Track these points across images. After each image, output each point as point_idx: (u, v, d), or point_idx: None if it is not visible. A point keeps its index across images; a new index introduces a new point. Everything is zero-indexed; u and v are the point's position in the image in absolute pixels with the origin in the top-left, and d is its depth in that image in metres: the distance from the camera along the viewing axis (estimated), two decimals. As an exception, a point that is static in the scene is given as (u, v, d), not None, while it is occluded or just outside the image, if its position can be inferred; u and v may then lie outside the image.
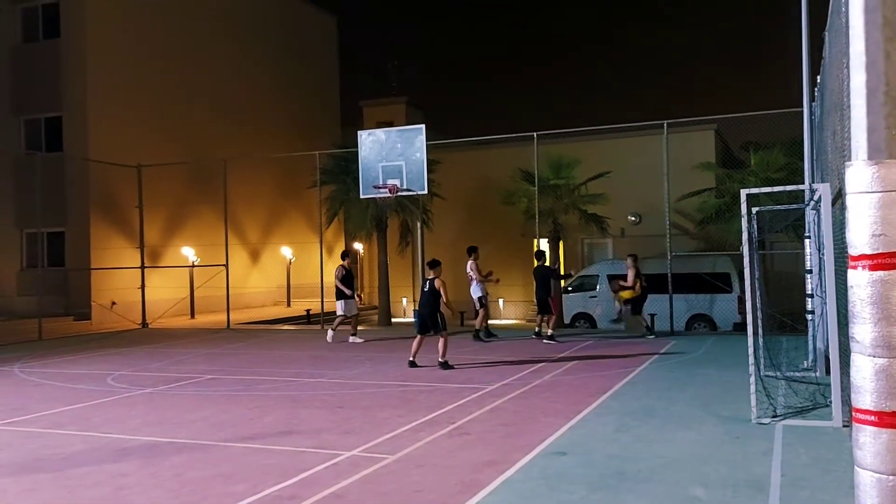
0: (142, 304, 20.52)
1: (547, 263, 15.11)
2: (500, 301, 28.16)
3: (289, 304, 28.84)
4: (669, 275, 15.37)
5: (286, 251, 29.36)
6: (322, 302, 19.05)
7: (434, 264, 11.55)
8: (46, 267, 21.12)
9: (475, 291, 15.06)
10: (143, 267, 21.06)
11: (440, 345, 11.02)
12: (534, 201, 17.69)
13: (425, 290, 11.28)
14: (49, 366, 12.45)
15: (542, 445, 6.32)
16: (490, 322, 16.41)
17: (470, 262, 15.01)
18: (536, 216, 17.42)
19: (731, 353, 11.96)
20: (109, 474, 5.80)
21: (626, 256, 15.83)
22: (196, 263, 23.83)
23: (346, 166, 21.77)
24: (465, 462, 5.89)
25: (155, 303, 21.16)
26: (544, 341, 13.77)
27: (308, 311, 24.04)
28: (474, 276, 14.94)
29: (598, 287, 20.23)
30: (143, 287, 20.74)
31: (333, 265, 32.17)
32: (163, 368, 11.81)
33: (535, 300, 14.62)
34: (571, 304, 20.74)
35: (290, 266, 29.53)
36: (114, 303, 21.13)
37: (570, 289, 21.19)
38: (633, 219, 25.05)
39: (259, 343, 15.52)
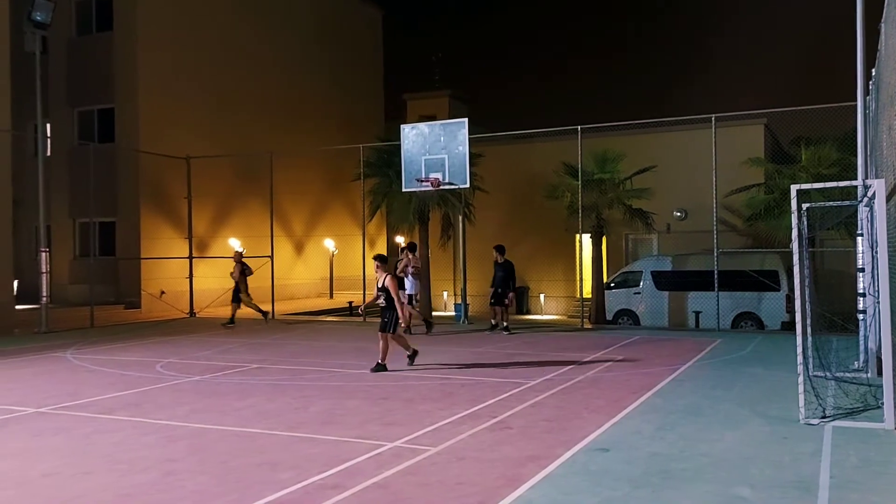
0: (190, 294, 20.96)
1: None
2: (542, 296, 28.07)
3: (331, 296, 29.15)
4: (716, 272, 15.12)
5: (329, 243, 29.66)
6: (364, 294, 19.20)
7: (381, 259, 10.52)
8: (98, 256, 21.72)
9: (411, 288, 15.21)
10: (191, 257, 21.50)
11: (380, 345, 10.29)
12: (577, 196, 17.55)
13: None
14: (100, 353, 12.81)
15: (585, 441, 6.30)
16: (534, 317, 16.77)
17: (411, 257, 15.34)
18: (580, 211, 17.29)
19: (779, 352, 11.73)
20: (158, 460, 5.95)
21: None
22: (242, 254, 24.22)
23: (389, 159, 21.89)
24: (506, 456, 5.90)
25: (202, 292, 21.60)
26: (504, 333, 14.68)
27: (350, 303, 24.28)
28: (410, 272, 15.20)
29: (641, 283, 20.01)
30: (191, 277, 21.18)
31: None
32: (210, 357, 12.06)
33: (494, 293, 15.01)
34: (614, 300, 20.57)
35: (333, 258, 29.84)
36: (163, 292, 21.62)
37: (612, 285, 21.00)
38: (678, 214, 24.69)
39: (303, 334, 15.73)
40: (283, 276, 22.87)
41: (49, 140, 16.84)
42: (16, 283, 20.28)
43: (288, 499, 4.94)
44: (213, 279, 22.70)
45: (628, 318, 19.99)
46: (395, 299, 10.16)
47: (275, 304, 19.84)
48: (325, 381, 9.66)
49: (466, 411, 7.52)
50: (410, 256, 15.44)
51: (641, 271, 20.35)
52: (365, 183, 21.15)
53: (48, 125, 16.96)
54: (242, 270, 17.35)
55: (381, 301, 10.29)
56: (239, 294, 17.37)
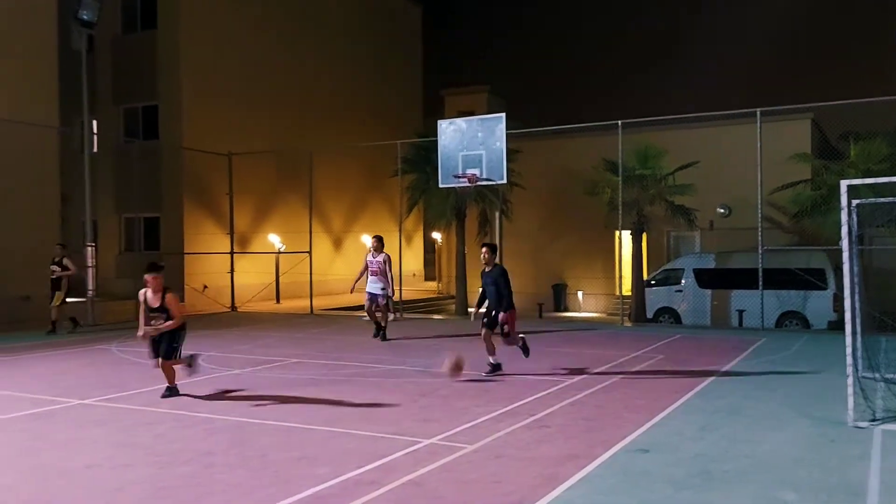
0: (231, 289, 21.26)
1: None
2: (580, 294, 27.82)
3: (392, 292, 29.29)
4: (760, 269, 14.78)
5: (367, 239, 29.82)
6: (400, 290, 19.24)
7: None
8: (143, 251, 22.14)
9: (387, 288, 13.37)
10: (232, 252, 21.80)
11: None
12: (617, 192, 17.33)
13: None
14: (144, 345, 13.02)
15: (625, 441, 6.19)
16: (572, 315, 16.14)
17: (383, 255, 13.48)
18: (620, 207, 17.06)
19: (826, 352, 11.42)
20: (198, 452, 6.02)
21: None
22: (282, 250, 24.50)
23: (426, 155, 21.90)
24: (544, 455, 5.83)
25: (243, 287, 21.89)
26: (484, 373, 9.55)
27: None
28: (388, 271, 13.36)
29: (683, 281, 19.70)
30: (232, 272, 21.48)
31: (412, 254, 32.41)
32: (250, 351, 12.19)
33: (491, 310, 9.68)
34: (655, 298, 20.29)
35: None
36: (205, 286, 21.96)
37: (653, 283, 20.72)
38: (722, 211, 24.24)
39: (341, 329, 15.82)
40: (322, 272, 23.04)
41: (96, 137, 17.18)
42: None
43: (325, 494, 4.95)
44: (254, 274, 22.99)
45: (669, 316, 19.70)
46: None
47: (313, 299, 20.01)
48: (363, 376, 9.69)
49: (504, 409, 7.46)
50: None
51: (683, 269, 20.03)
52: (403, 179, 21.19)
53: (95, 122, 17.30)
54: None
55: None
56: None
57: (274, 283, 24.30)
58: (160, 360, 8.24)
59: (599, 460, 5.65)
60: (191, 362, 8.65)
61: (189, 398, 8.25)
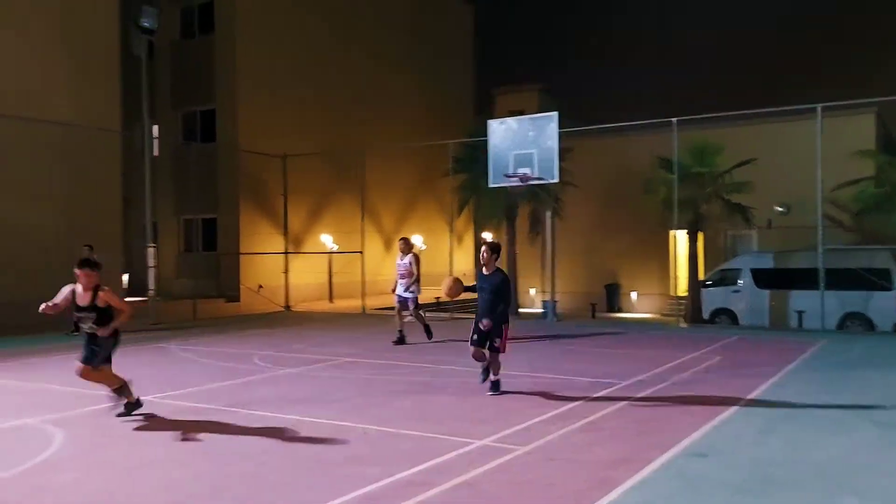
0: (285, 288, 21.61)
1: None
2: (635, 294, 27.43)
3: (419, 292, 29.41)
4: (821, 269, 14.33)
5: (417, 239, 29.95)
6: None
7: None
8: (201, 251, 22.68)
9: (415, 290, 12.92)
10: (286, 252, 22.16)
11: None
12: (672, 190, 17.01)
13: None
14: (202, 344, 13.36)
15: (681, 445, 6.07)
16: (626, 315, 15.85)
17: (410, 257, 12.95)
18: (675, 206, 16.74)
19: (891, 355, 11.00)
20: (252, 450, 6.12)
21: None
22: (334, 250, 24.79)
23: (477, 155, 21.85)
24: (598, 458, 5.76)
25: (297, 287, 22.24)
26: (489, 393, 8.19)
27: (437, 298, 24.42)
28: (415, 272, 12.84)
29: (740, 281, 19.24)
30: (286, 272, 21.83)
31: (463, 253, 32.47)
32: (304, 350, 12.37)
33: (479, 325, 8.16)
34: (711, 298, 19.88)
35: (421, 254, 30.11)
36: (260, 286, 22.37)
37: (709, 283, 20.30)
38: (780, 209, 23.60)
39: (392, 328, 15.91)
40: (374, 272, 23.25)
41: (156, 141, 17.68)
42: (126, 277, 21.44)
43: (376, 494, 4.98)
44: (308, 274, 23.34)
45: (726, 316, 19.26)
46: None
47: (365, 298, 20.19)
48: (415, 376, 9.72)
49: (556, 411, 7.40)
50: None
51: (741, 268, 19.57)
52: (453, 179, 21.22)
53: (155, 126, 17.80)
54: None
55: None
56: None
57: (327, 283, 24.61)
58: (79, 365, 7.25)
59: (654, 464, 5.55)
60: (121, 390, 7.45)
61: (245, 397, 8.40)
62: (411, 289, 12.89)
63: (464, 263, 32.21)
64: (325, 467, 5.63)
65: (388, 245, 28.79)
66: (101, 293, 7.19)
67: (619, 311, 27.13)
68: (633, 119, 18.21)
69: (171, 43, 24.53)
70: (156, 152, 17.81)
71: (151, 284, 17.49)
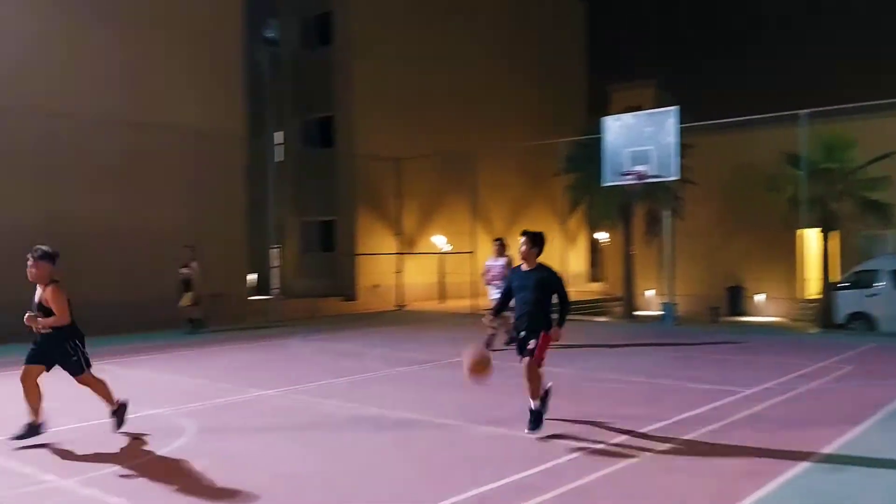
0: (399, 288, 22.04)
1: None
2: (759, 297, 26.10)
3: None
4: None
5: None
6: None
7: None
8: (320, 252, 23.50)
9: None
10: (399, 253, 22.61)
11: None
12: (800, 188, 16.04)
13: None
14: (321, 341, 13.82)
15: (812, 459, 5.69)
16: (750, 319, 15.05)
17: (506, 259, 12.34)
18: (804, 204, 15.78)
19: None
20: (366, 448, 6.25)
21: None
22: (446, 251, 25.05)
23: (590, 154, 21.46)
24: (721, 469, 5.49)
25: (410, 286, 22.62)
26: (527, 432, 6.47)
27: (551, 299, 24.20)
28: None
29: (878, 284, 17.90)
30: (399, 272, 22.26)
31: (575, 254, 31.90)
32: (416, 349, 12.54)
33: (520, 329, 6.73)
34: (845, 302, 18.59)
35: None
36: (376, 286, 22.93)
37: (842, 285, 19.02)
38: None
39: (503, 329, 15.86)
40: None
41: (279, 147, 18.49)
42: (252, 277, 22.51)
43: (487, 495, 4.95)
44: (420, 274, 23.69)
45: (862, 322, 17.96)
46: None
47: (476, 299, 20.26)
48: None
49: (675, 418, 7.12)
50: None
51: (878, 270, 18.20)
52: (565, 178, 20.94)
53: (278, 133, 18.62)
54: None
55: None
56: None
57: (439, 283, 24.90)
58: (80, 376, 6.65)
59: (783, 478, 5.23)
60: (116, 410, 6.74)
61: (360, 393, 8.60)
62: None
63: (576, 264, 31.72)
64: (436, 467, 5.67)
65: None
66: (48, 289, 6.45)
67: (743, 314, 25.87)
68: (759, 112, 17.32)
69: (293, 53, 25.55)
70: (279, 158, 18.60)
71: (274, 283, 18.27)
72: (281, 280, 19.07)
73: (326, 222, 25.08)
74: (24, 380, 6.42)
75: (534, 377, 6.46)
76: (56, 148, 15.71)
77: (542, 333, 6.50)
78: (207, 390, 8.86)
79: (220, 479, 5.40)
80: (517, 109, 29.11)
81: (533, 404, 6.53)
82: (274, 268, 18.46)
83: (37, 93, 15.38)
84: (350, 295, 23.19)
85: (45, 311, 6.42)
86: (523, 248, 6.75)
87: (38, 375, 6.48)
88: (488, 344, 11.32)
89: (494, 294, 11.95)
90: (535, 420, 6.48)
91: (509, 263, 12.22)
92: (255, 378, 9.70)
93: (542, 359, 6.54)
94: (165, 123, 17.14)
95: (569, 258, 19.79)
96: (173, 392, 8.87)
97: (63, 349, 6.48)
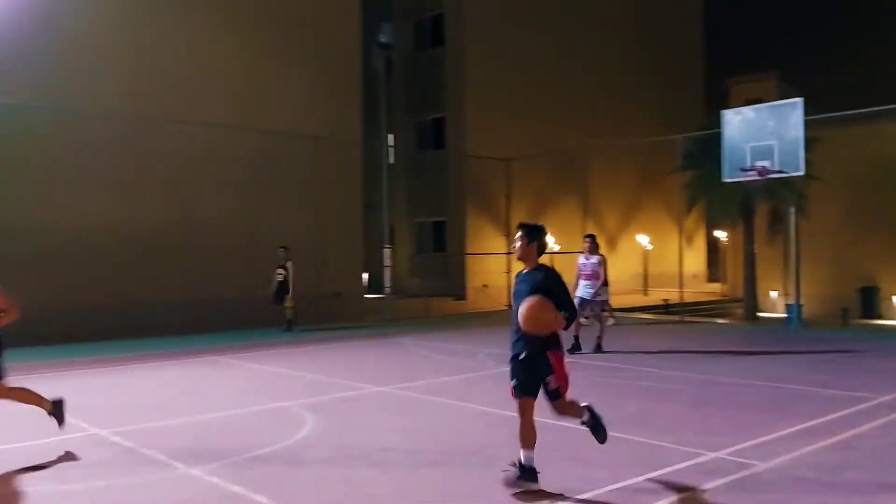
0: (508, 288, 22.05)
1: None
2: (896, 299, 24.35)
3: (645, 293, 28.50)
4: None
5: (643, 239, 29.02)
6: (681, 291, 18.40)
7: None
8: (431, 252, 23.87)
9: (603, 294, 11.90)
10: (509, 253, 22.59)
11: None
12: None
13: None
14: (432, 340, 14.03)
15: (957, 475, 5.27)
16: (887, 322, 14.05)
17: (598, 257, 11.90)
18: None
19: None
20: (479, 444, 6.30)
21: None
22: (556, 250, 24.83)
23: (709, 150, 20.68)
24: (851, 482, 5.18)
25: (520, 286, 22.57)
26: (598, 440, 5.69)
27: (665, 300, 23.47)
28: (603, 275, 11.81)
29: None
30: (508, 272, 22.26)
31: (693, 254, 30.85)
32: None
33: (518, 350, 5.46)
34: None
35: (647, 254, 29.11)
36: (485, 285, 23.03)
37: None
38: None
39: (617, 331, 15.56)
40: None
41: (393, 149, 18.92)
42: (366, 276, 23.14)
43: (603, 497, 4.89)
44: (530, 274, 23.59)
45: None
46: None
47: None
48: (640, 380, 9.43)
49: (800, 426, 6.76)
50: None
51: None
52: (682, 176, 20.28)
53: (391, 136, 19.05)
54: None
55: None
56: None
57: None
58: None
59: (923, 494, 4.88)
60: (53, 408, 6.39)
61: (472, 391, 8.67)
62: (599, 293, 11.84)
63: (694, 264, 30.66)
64: (550, 464, 5.64)
65: (611, 245, 28.22)
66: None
67: (880, 317, 24.20)
68: (884, 104, 16.13)
69: (406, 56, 26.06)
70: (392, 160, 19.02)
71: (387, 283, 18.71)
72: (393, 280, 19.49)
73: (437, 223, 25.42)
74: None
75: (567, 408, 5.43)
76: (187, 154, 16.71)
77: (549, 356, 5.16)
78: (326, 385, 9.19)
79: (339, 471, 5.60)
80: (631, 106, 28.47)
81: (583, 421, 5.57)
82: (387, 267, 18.90)
83: (166, 102, 16.40)
84: (460, 294, 23.40)
85: None
86: (518, 243, 5.34)
87: None
88: (575, 347, 11.35)
89: (581, 293, 11.75)
90: (596, 430, 5.58)
91: (602, 262, 11.90)
92: (371, 374, 9.97)
93: (566, 382, 5.33)
94: (286, 130, 17.89)
95: (686, 258, 19.10)
96: (295, 386, 9.25)
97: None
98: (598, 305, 12.08)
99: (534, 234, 5.33)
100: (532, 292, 5.07)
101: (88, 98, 15.14)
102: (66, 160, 14.98)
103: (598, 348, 11.84)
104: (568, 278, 11.29)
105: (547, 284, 5.11)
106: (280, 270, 15.25)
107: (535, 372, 5.19)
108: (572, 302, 5.31)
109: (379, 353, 12.48)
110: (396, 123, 25.41)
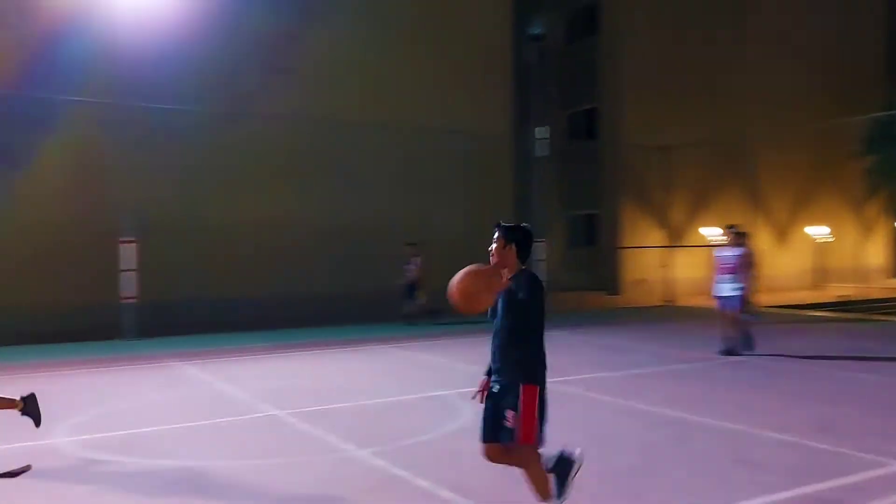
0: (666, 283, 21.27)
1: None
2: None
3: (819, 289, 26.48)
4: None
5: (816, 230, 26.97)
6: (860, 287, 16.92)
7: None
8: (584, 246, 23.52)
9: (743, 289, 10.63)
10: (666, 246, 21.81)
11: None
12: None
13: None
14: (587, 334, 13.83)
15: None
16: None
17: (741, 250, 10.78)
18: None
19: None
20: (640, 444, 6.14)
21: None
22: (716, 243, 23.65)
23: (892, 132, 18.89)
24: None
25: (680, 281, 21.70)
26: None
27: (842, 296, 21.70)
28: (747, 271, 10.70)
29: None
30: (666, 266, 21.48)
31: (873, 246, 28.31)
32: (687, 346, 12.02)
33: (494, 381, 4.47)
34: None
35: (820, 247, 27.02)
36: (643, 280, 22.37)
37: None
38: None
39: (789, 329, 14.62)
40: (764, 266, 21.56)
41: (544, 142, 18.82)
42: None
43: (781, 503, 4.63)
44: (690, 268, 22.62)
45: None
46: None
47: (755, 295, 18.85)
48: (813, 381, 8.80)
49: None
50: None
51: None
52: (862, 161, 18.65)
53: (543, 128, 18.95)
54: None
55: None
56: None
57: (708, 278, 23.59)
58: None
59: None
60: (25, 409, 6.03)
61: (630, 388, 8.47)
62: (737, 288, 10.67)
63: (875, 258, 28.11)
64: (715, 470, 5.41)
65: (780, 237, 26.48)
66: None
67: None
68: None
69: (557, 46, 25.79)
70: (543, 152, 18.92)
71: (541, 277, 18.64)
72: (548, 274, 19.38)
73: (590, 216, 24.99)
74: None
75: (529, 463, 4.24)
76: (350, 153, 17.53)
77: (521, 387, 4.06)
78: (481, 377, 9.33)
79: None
80: (802, 88, 26.48)
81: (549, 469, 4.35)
82: (540, 261, 18.82)
83: (331, 103, 17.29)
84: (613, 289, 22.88)
85: None
86: (496, 246, 4.32)
87: None
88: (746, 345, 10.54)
89: (722, 291, 10.77)
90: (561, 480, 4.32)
91: (748, 255, 10.80)
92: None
93: (531, 432, 4.09)
94: (438, 127, 18.28)
95: (866, 250, 17.55)
96: (451, 376, 9.46)
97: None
98: (736, 302, 10.74)
99: (511, 235, 4.32)
100: (506, 308, 4.14)
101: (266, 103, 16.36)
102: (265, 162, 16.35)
103: (735, 350, 10.74)
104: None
105: (513, 298, 4.09)
106: (409, 266, 15.52)
107: (499, 406, 4.18)
108: (534, 322, 4.13)
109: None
110: (547, 115, 25.21)
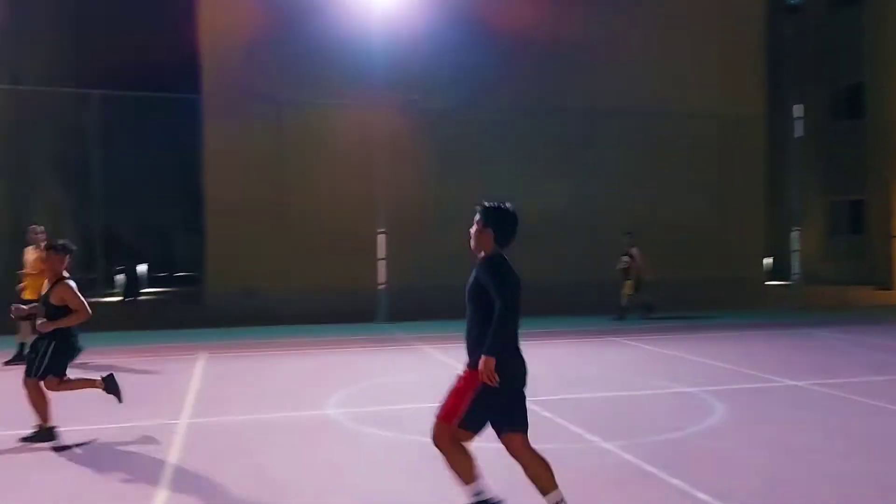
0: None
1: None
2: None
3: None
4: None
5: None
6: None
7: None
8: (848, 234, 21.24)
9: None
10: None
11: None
12: None
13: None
14: (853, 333, 12.49)
15: None
16: None
17: None
18: None
19: None
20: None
21: None
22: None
23: None
24: None
25: None
26: None
27: None
28: None
29: None
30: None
31: None
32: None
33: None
34: None
35: None
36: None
37: None
38: None
39: None
40: None
41: (799, 121, 17.25)
42: (768, 261, 21.59)
43: None
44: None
45: None
46: None
47: None
48: None
49: None
50: None
51: None
52: None
53: (799, 106, 17.38)
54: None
55: None
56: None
57: None
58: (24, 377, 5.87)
59: None
60: (106, 384, 6.18)
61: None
62: None
63: None
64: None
65: None
66: (58, 287, 5.82)
67: None
68: None
69: (816, 17, 23.45)
70: (800, 133, 17.39)
71: (795, 268, 17.20)
72: (802, 265, 17.77)
73: (855, 201, 22.48)
74: (27, 389, 5.83)
75: (439, 443, 4.05)
76: (589, 141, 17.45)
77: (468, 368, 4.04)
78: (730, 374, 8.85)
79: (755, 461, 5.35)
80: None
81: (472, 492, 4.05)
82: (794, 251, 17.32)
83: (570, 91, 17.30)
84: (885, 283, 20.38)
85: (50, 307, 5.83)
86: (473, 228, 4.12)
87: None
88: None
89: None
90: None
91: None
92: (779, 366, 9.29)
93: (453, 414, 3.98)
94: (691, 112, 17.51)
95: None
96: (696, 372, 9.08)
97: (37, 344, 5.83)
98: None
99: (489, 217, 4.06)
100: (472, 292, 4.00)
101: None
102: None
103: None
104: None
105: (483, 277, 3.95)
106: (625, 258, 14.81)
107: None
108: (507, 305, 3.84)
109: (786, 344, 11.55)
110: (807, 92, 23.02)
